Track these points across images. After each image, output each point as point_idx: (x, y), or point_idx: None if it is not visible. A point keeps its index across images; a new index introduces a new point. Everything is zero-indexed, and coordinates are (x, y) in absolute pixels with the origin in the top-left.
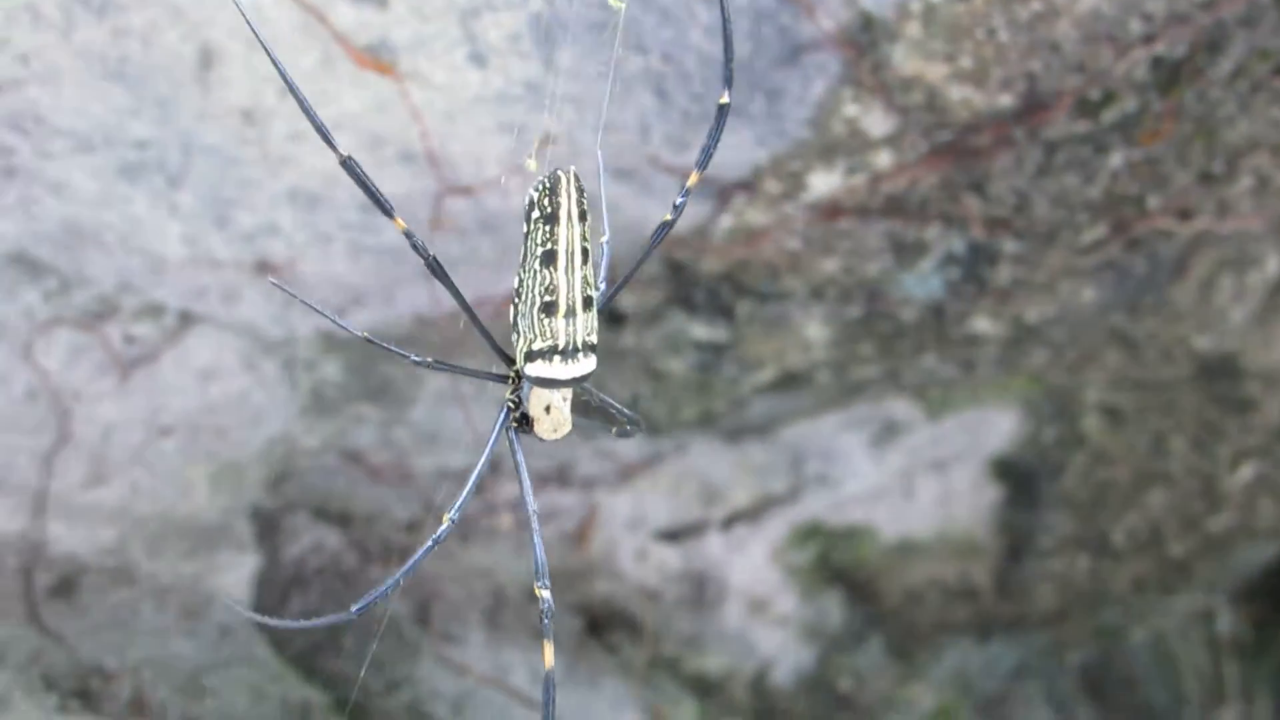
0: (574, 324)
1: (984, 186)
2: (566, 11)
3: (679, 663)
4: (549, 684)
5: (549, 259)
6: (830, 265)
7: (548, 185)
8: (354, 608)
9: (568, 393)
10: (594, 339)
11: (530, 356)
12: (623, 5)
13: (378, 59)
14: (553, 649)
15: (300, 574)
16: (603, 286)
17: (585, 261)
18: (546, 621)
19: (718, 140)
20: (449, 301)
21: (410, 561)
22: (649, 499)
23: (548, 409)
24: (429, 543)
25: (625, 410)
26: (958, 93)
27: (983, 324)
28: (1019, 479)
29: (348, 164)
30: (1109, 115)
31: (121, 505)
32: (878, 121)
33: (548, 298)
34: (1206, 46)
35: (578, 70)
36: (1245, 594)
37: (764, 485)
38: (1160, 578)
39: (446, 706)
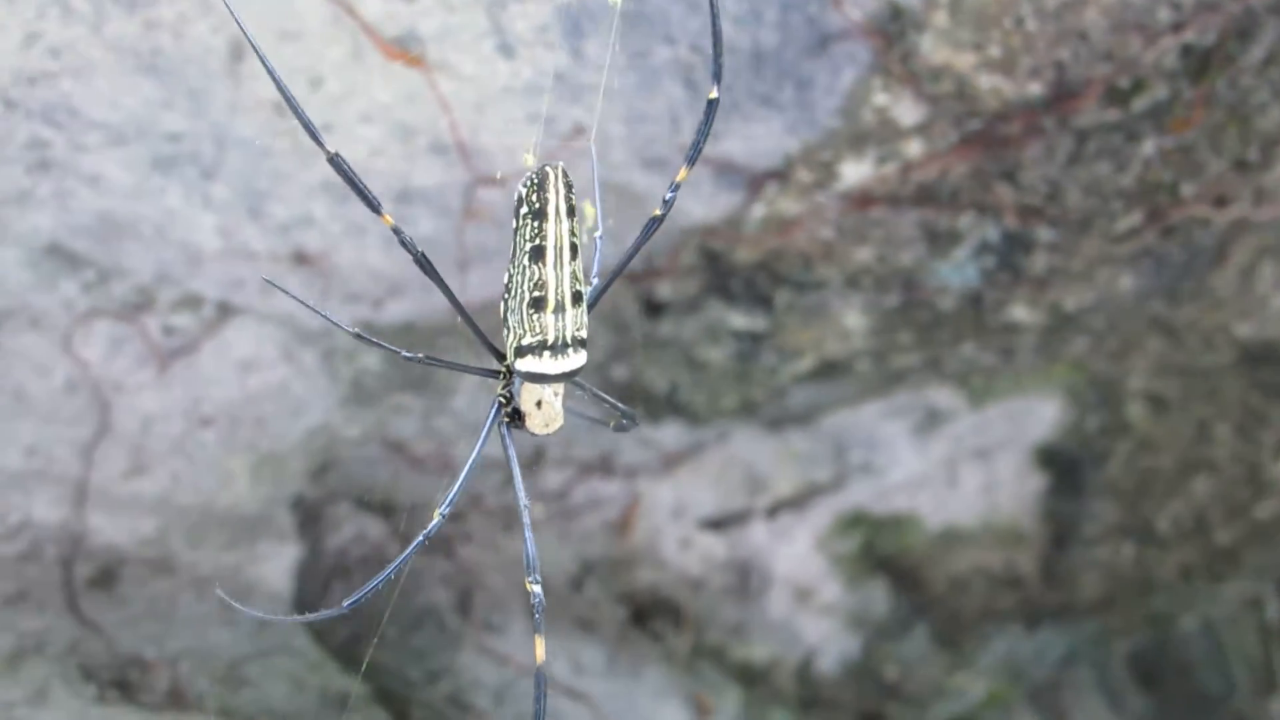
0: (563, 319)
1: (1015, 175)
2: (593, 1)
3: (723, 652)
4: (540, 679)
5: (537, 254)
6: (864, 254)
7: (535, 181)
8: (345, 603)
9: (559, 388)
10: (584, 334)
11: (520, 352)
12: (618, 2)
13: (406, 50)
14: (544, 644)
15: (342, 563)
16: (595, 281)
17: (574, 257)
18: (538, 616)
19: (706, 135)
20: (482, 294)
21: (400, 558)
22: (692, 488)
23: (539, 404)
24: (419, 538)
25: (620, 405)
26: (987, 81)
27: (1021, 312)
28: (1063, 467)
29: (335, 160)
30: (1139, 103)
31: (162, 496)
32: (907, 110)
33: (536, 293)
34: (1237, 34)
35: (602, 61)
36: None
37: (807, 474)
38: (1208, 565)
39: (488, 697)
